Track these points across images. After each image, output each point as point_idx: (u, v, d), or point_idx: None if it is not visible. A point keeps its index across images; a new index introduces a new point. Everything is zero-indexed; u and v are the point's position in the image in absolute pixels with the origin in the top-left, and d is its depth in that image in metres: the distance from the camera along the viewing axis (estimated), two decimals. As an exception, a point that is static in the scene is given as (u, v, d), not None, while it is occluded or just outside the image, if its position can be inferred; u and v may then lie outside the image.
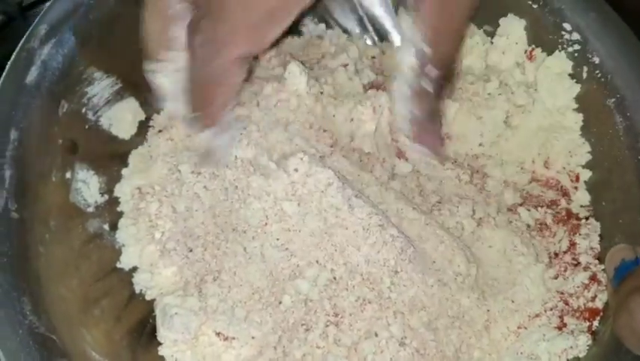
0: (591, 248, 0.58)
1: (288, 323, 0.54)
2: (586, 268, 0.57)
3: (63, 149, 0.56)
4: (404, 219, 0.56)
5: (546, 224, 0.60)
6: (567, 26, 0.61)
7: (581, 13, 0.61)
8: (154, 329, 0.56)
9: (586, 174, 0.61)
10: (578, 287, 0.56)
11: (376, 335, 0.52)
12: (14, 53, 0.54)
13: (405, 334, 0.52)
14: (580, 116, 0.62)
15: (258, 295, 0.54)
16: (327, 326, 0.53)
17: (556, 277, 0.57)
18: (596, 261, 0.58)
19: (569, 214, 0.60)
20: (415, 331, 0.53)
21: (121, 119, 0.61)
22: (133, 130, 0.62)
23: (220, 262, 0.55)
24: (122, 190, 0.60)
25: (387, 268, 0.54)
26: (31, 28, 0.55)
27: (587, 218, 0.60)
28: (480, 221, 0.59)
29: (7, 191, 0.52)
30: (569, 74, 0.62)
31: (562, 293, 0.56)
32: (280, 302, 0.54)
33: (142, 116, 0.63)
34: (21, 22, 0.54)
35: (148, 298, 0.57)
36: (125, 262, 0.58)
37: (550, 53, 0.63)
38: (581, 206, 0.61)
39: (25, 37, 0.55)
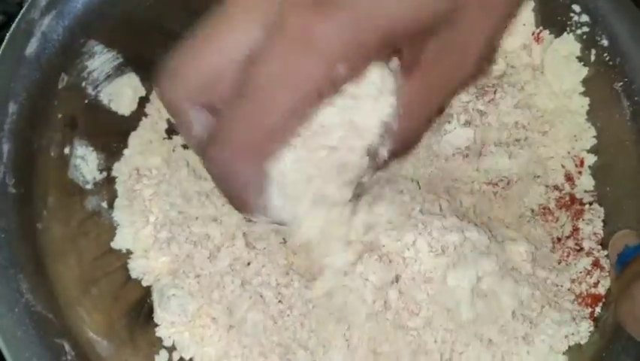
0: (594, 234, 0.58)
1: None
2: (589, 254, 0.57)
3: (62, 124, 0.56)
4: None
5: (549, 209, 0.60)
6: (576, 8, 0.60)
7: (591, -6, 0.60)
8: (152, 310, 0.56)
9: (591, 159, 0.61)
10: (580, 273, 0.56)
11: None
12: (13, 24, 0.53)
13: None
14: (586, 100, 0.61)
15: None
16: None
17: (559, 263, 0.57)
18: (599, 247, 0.57)
19: (573, 199, 0.60)
20: None
21: (121, 94, 0.60)
22: (133, 106, 0.61)
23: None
24: (120, 170, 0.60)
25: None
26: (30, -1, 0.54)
27: (590, 203, 0.59)
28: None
29: (4, 165, 0.51)
30: (577, 57, 0.61)
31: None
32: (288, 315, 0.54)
33: (142, 92, 0.62)
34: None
35: (145, 284, 0.57)
36: (119, 243, 0.58)
37: (558, 35, 0.62)
38: (585, 191, 0.60)
39: (24, 7, 0.54)
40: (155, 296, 0.56)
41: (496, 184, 0.60)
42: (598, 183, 0.60)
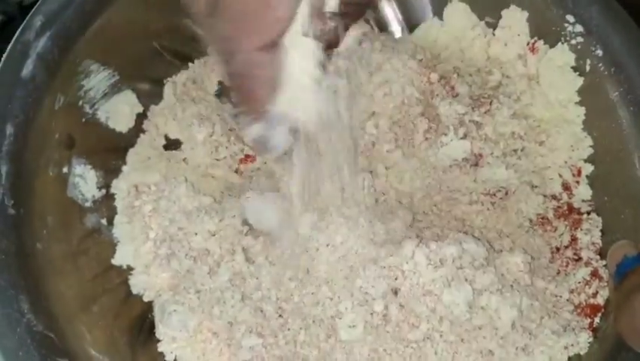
0: (592, 243, 0.58)
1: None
2: (587, 264, 0.57)
3: (60, 143, 0.56)
4: None
5: (547, 218, 0.60)
6: (570, 18, 0.60)
7: (585, 4, 0.60)
8: (153, 325, 0.56)
9: (588, 169, 0.61)
10: (579, 283, 0.56)
11: None
12: (9, 46, 0.53)
13: None
14: (582, 110, 0.61)
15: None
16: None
17: (557, 273, 0.57)
18: (598, 256, 0.57)
19: (571, 209, 0.60)
20: None
21: (118, 112, 0.61)
22: (130, 123, 0.62)
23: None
24: (119, 187, 0.60)
25: None
26: (26, 20, 0.54)
27: (588, 213, 0.60)
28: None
29: (3, 187, 0.51)
30: (572, 67, 0.61)
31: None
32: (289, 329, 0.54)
33: (139, 109, 0.62)
34: (21, 22, 0.54)
35: (146, 299, 0.57)
36: (119, 260, 0.58)
37: (552, 45, 0.62)
38: (583, 201, 0.60)
39: (20, 29, 0.54)
40: (156, 312, 0.56)
41: (494, 195, 0.60)
42: (596, 192, 0.60)
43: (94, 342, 0.53)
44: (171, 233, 0.57)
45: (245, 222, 0.57)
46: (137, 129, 0.62)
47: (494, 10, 0.64)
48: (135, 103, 0.62)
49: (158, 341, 0.55)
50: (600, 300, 0.55)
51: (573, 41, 0.61)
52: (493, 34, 0.65)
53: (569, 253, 0.58)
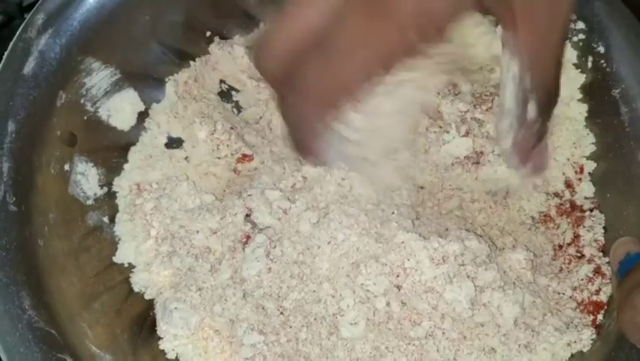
0: (595, 240, 0.58)
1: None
2: (590, 261, 0.57)
3: (61, 141, 0.56)
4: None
5: (550, 216, 0.60)
6: (572, 15, 0.60)
7: (586, 1, 0.60)
8: (154, 323, 0.56)
9: (590, 166, 0.61)
10: (582, 280, 0.56)
11: None
12: (11, 43, 0.54)
13: None
14: (584, 107, 0.61)
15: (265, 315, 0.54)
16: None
17: (560, 270, 0.57)
18: (601, 253, 0.57)
19: (573, 206, 0.60)
20: None
21: (120, 110, 0.61)
22: (132, 121, 0.62)
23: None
24: (120, 185, 0.60)
25: None
26: (28, 17, 0.55)
27: (591, 210, 0.59)
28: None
29: (5, 184, 0.51)
30: (574, 64, 0.61)
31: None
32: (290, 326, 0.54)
33: (141, 107, 0.62)
34: (21, 21, 0.54)
35: (147, 297, 0.57)
36: (120, 258, 0.58)
37: (554, 42, 0.62)
38: (585, 198, 0.60)
39: (22, 26, 0.54)
40: (157, 309, 0.56)
41: (496, 193, 0.60)
42: (598, 189, 0.60)
43: (95, 339, 0.53)
44: (173, 231, 0.57)
45: (247, 220, 0.57)
46: (139, 127, 0.62)
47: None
48: (137, 101, 0.62)
49: (160, 338, 0.55)
50: (603, 297, 0.55)
51: (575, 38, 0.61)
52: (496, 32, 0.65)
53: (572, 250, 0.58)
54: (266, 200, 0.57)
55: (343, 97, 0.40)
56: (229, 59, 0.65)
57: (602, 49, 0.59)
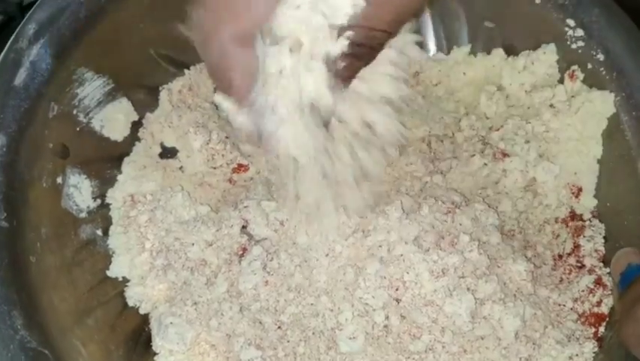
0: (595, 250, 0.57)
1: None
2: (591, 271, 0.56)
3: (53, 153, 0.55)
4: None
5: (550, 225, 0.59)
6: (571, 22, 0.60)
7: (585, 8, 0.59)
8: (149, 338, 0.55)
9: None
10: (582, 291, 0.55)
11: None
12: (2, 54, 0.53)
13: None
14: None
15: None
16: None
17: (560, 281, 0.56)
18: (601, 264, 0.56)
19: (573, 215, 0.59)
20: None
21: (113, 120, 0.60)
22: (126, 131, 0.61)
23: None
24: (114, 196, 0.60)
25: None
26: (19, 27, 0.54)
27: (591, 220, 0.59)
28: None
29: (-5, 198, 0.50)
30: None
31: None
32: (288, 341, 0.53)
33: (134, 117, 0.62)
34: (21, 22, 0.54)
35: (142, 311, 0.56)
36: (114, 272, 0.58)
37: (553, 50, 0.62)
38: (585, 207, 0.60)
39: (13, 36, 0.53)
40: (153, 324, 0.55)
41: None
42: (598, 198, 0.60)
43: (89, 357, 0.52)
44: (167, 243, 0.57)
45: (243, 232, 0.56)
46: (133, 138, 0.62)
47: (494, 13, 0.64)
48: (130, 111, 0.61)
49: (155, 354, 0.54)
50: (605, 309, 0.55)
51: (574, 45, 0.60)
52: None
53: (572, 260, 0.57)
54: (262, 211, 0.56)
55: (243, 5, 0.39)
56: (224, 67, 0.65)
57: (601, 56, 0.58)
